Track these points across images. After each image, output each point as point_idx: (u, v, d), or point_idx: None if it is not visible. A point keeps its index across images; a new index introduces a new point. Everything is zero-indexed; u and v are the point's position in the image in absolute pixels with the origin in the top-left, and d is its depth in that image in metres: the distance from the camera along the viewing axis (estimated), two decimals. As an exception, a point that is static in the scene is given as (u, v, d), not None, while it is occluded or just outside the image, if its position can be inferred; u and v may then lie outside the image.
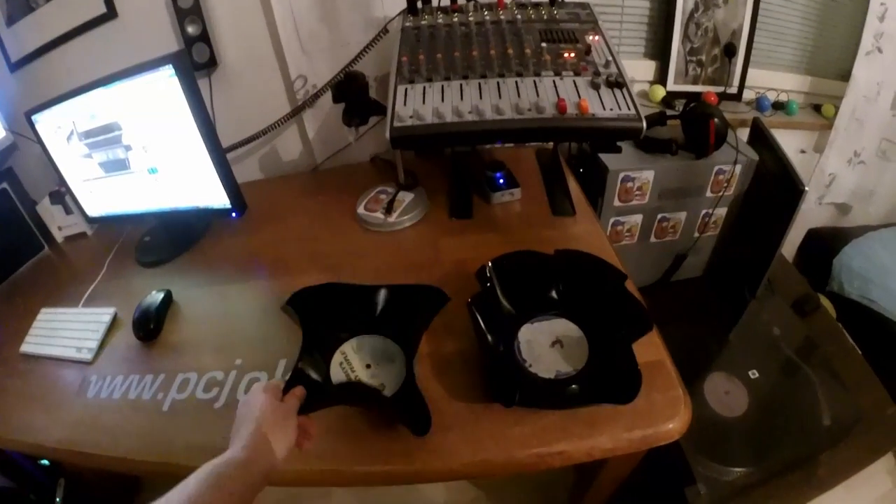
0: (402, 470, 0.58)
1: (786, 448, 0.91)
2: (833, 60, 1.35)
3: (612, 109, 0.67)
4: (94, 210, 1.04)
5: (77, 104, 0.89)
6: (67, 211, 1.08)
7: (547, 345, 0.66)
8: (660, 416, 0.60)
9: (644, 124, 0.66)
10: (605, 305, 0.67)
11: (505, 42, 0.78)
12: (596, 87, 0.70)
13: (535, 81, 0.71)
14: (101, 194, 1.01)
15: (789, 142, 1.06)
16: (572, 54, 0.76)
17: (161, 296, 0.84)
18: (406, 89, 0.73)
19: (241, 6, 0.94)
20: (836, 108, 1.29)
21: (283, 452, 0.49)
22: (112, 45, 0.96)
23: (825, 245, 1.53)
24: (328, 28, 0.95)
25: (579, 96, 0.69)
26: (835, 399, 0.97)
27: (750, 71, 1.29)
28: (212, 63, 0.99)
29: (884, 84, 1.28)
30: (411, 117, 0.69)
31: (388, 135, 0.68)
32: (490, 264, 0.70)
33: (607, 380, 0.61)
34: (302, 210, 1.03)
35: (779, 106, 1.33)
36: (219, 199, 0.92)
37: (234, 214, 0.93)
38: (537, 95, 0.69)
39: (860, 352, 1.23)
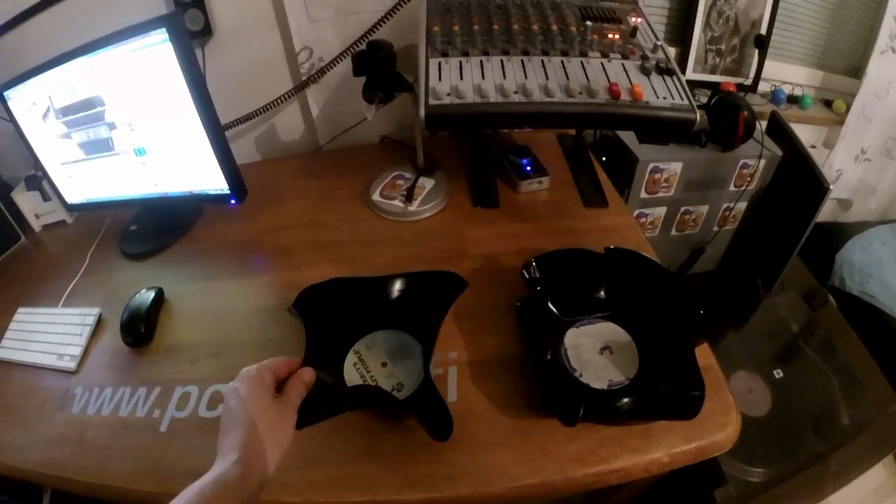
0: (447, 497, 0.51)
1: (807, 447, 0.90)
2: (844, 56, 1.34)
3: (665, 98, 0.62)
4: (74, 196, 0.93)
5: (54, 77, 0.78)
6: (45, 197, 0.97)
7: (595, 351, 0.61)
8: (713, 426, 0.57)
9: (698, 116, 0.62)
10: (655, 309, 0.63)
11: (546, 16, 0.71)
12: (646, 72, 0.65)
13: (582, 62, 0.65)
14: (81, 179, 0.90)
15: (800, 136, 1.05)
16: (617, 35, 0.70)
17: (152, 294, 0.75)
18: (440, 63, 0.65)
19: (241, -33, 0.84)
20: (847, 105, 1.28)
21: (277, 459, 0.41)
22: (94, 14, 0.83)
23: (828, 240, 1.54)
24: (338, -7, 0.86)
25: (631, 82, 0.63)
26: (852, 396, 0.97)
27: (765, 63, 1.27)
28: (206, 32, 0.88)
29: (894, 83, 1.27)
30: (449, 94, 0.61)
31: (422, 113, 0.60)
32: (534, 262, 0.64)
33: (667, 391, 0.56)
34: (305, 194, 0.94)
35: (793, 100, 1.31)
36: (215, 183, 0.82)
37: (233, 201, 0.84)
38: (587, 78, 0.63)
39: (864, 346, 1.24)
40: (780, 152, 1.04)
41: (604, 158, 0.98)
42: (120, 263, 0.87)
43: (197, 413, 0.61)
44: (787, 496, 0.94)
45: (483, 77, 0.63)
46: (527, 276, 0.63)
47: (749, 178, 1.01)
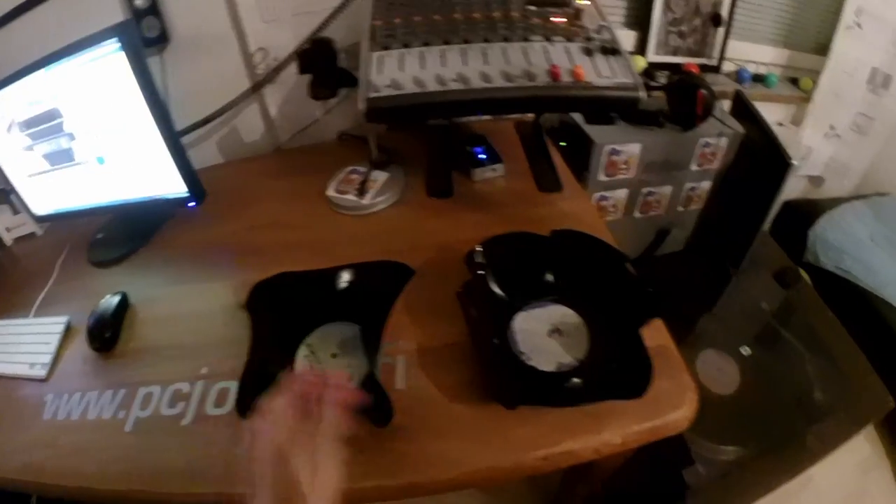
0: (397, 484, 0.52)
1: (779, 424, 0.91)
2: (810, 34, 1.35)
3: (608, 77, 0.63)
4: (41, 208, 0.93)
5: (15, 91, 0.79)
6: (15, 211, 0.97)
7: (544, 334, 0.62)
8: (668, 405, 0.57)
9: (644, 94, 0.62)
10: (605, 289, 0.63)
11: (489, 4, 0.72)
12: (589, 53, 0.65)
13: (523, 47, 0.66)
14: (48, 189, 0.90)
15: (766, 114, 1.05)
16: (562, 18, 0.71)
17: (116, 300, 0.76)
18: (381, 56, 0.66)
19: (194, -27, 0.85)
20: (814, 82, 1.29)
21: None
22: (50, 27, 0.84)
23: (801, 217, 1.55)
24: (291, -7, 0.87)
25: (573, 63, 0.64)
26: (825, 372, 0.98)
27: (729, 43, 1.28)
28: (163, 39, 0.89)
29: (861, 59, 1.28)
30: (388, 86, 0.62)
31: (361, 106, 0.61)
32: (480, 248, 0.65)
33: (614, 371, 0.57)
34: (267, 194, 0.95)
35: (758, 78, 1.32)
36: (174, 187, 0.83)
37: (191, 203, 0.85)
38: (527, 62, 0.64)
39: (839, 322, 1.25)
40: (741, 130, 1.05)
41: (563, 144, 0.99)
42: (88, 271, 0.88)
43: (160, 412, 0.62)
44: (762, 473, 0.95)
45: (422, 67, 0.64)
46: (471, 260, 0.64)
47: (711, 158, 1.02)
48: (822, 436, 1.03)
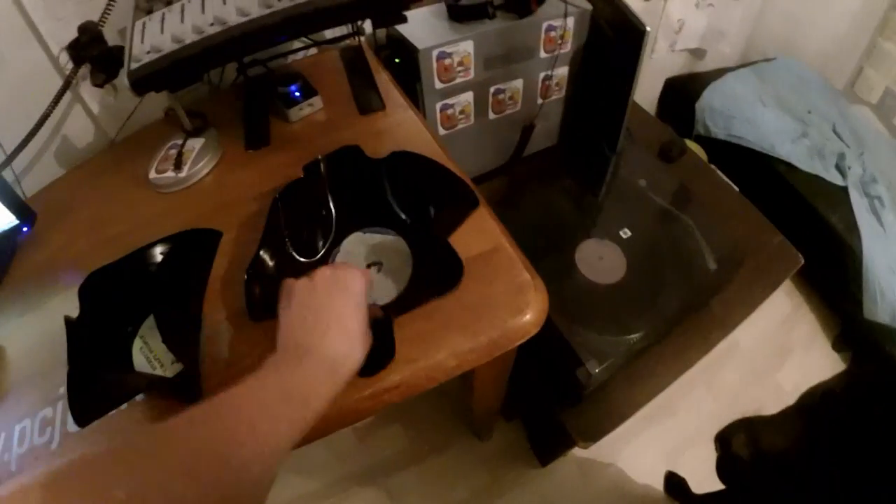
0: None
1: (675, 301, 0.87)
2: None
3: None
4: None
5: None
6: None
7: (362, 267, 0.57)
8: (508, 311, 0.52)
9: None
10: (429, 201, 0.58)
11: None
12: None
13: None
14: None
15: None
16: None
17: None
18: (144, 23, 0.62)
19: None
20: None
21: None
22: None
23: (685, 92, 1.51)
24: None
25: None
26: (717, 240, 0.95)
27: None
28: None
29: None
30: (149, 53, 0.59)
31: (125, 81, 0.59)
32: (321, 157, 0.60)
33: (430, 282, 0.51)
34: (95, 195, 0.86)
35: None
36: (4, 219, 0.74)
37: (25, 229, 0.76)
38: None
39: (736, 188, 1.24)
40: (588, 6, 0.97)
41: (397, 60, 0.89)
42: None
43: (33, 443, 0.55)
44: (671, 351, 0.93)
45: (182, 22, 0.59)
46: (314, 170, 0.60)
47: (560, 41, 0.94)
48: (727, 303, 1.02)
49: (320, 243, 0.60)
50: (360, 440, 1.21)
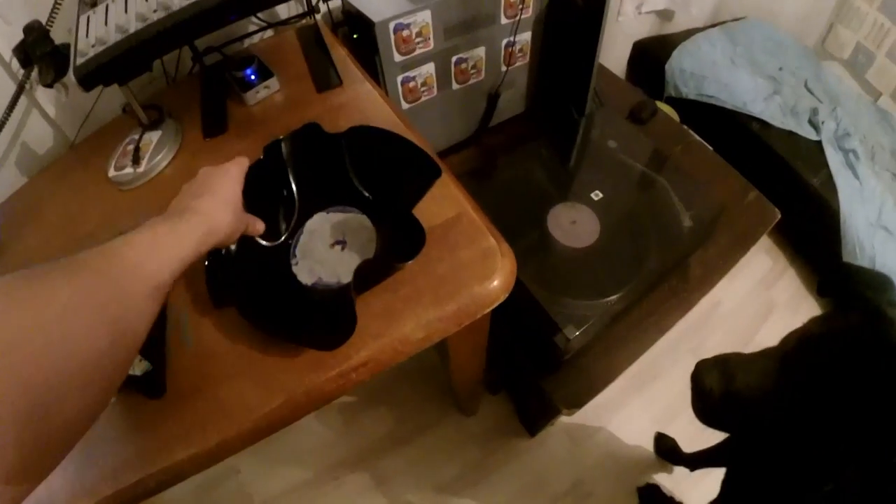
0: (207, 448, 0.45)
1: (651, 261, 0.87)
2: None
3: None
4: None
5: None
6: None
7: (326, 246, 0.56)
8: (475, 278, 0.51)
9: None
10: (395, 174, 0.56)
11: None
12: None
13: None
14: None
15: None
16: None
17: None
18: (88, 17, 0.61)
19: None
20: None
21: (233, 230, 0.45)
22: None
23: (654, 54, 1.50)
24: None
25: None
26: (691, 199, 0.94)
27: None
28: None
29: None
30: (94, 46, 0.58)
31: (72, 77, 0.59)
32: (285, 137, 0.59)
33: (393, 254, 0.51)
34: (58, 198, 0.84)
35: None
36: None
37: None
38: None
39: (710, 147, 1.23)
40: (545, -30, 0.95)
41: (356, 36, 0.87)
42: None
43: None
44: (651, 314, 0.93)
45: (126, 12, 0.59)
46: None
47: (521, 6, 0.92)
48: (705, 261, 1.02)
49: (283, 226, 0.59)
50: (346, 425, 1.21)
